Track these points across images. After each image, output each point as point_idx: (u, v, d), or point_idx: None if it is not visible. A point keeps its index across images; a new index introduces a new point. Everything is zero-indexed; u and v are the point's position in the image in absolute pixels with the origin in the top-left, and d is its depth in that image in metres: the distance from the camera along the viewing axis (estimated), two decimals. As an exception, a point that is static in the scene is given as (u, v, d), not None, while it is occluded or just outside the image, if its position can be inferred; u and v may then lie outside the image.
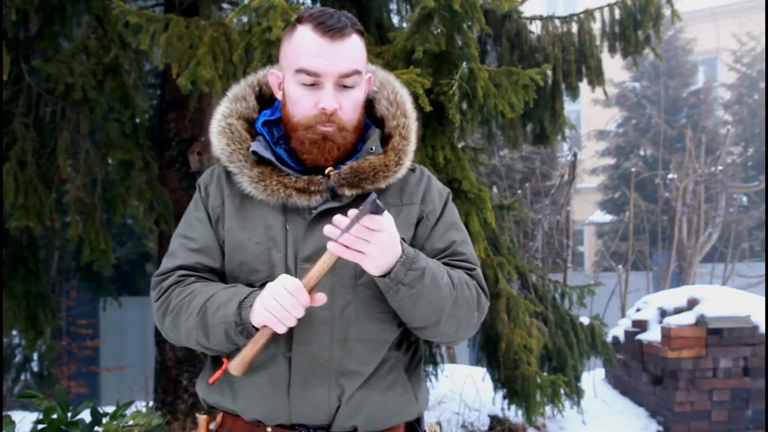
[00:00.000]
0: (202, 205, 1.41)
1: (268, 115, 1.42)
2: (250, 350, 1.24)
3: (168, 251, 1.41)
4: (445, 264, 1.35)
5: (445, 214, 1.41)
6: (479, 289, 1.38)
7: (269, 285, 1.23)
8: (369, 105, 1.44)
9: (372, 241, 1.18)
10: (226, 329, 1.25)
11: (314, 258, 1.25)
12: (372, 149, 1.36)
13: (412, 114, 1.43)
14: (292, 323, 1.21)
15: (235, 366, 1.25)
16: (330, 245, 1.19)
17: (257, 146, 1.36)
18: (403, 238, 1.27)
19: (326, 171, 1.34)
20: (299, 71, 1.30)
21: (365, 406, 1.32)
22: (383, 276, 1.24)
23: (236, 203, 1.37)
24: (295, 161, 1.37)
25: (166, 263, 1.39)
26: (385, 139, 1.39)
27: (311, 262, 1.25)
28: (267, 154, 1.35)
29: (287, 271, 1.31)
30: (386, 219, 1.20)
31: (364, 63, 1.36)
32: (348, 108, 1.33)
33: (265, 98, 1.46)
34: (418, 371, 1.42)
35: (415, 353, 1.43)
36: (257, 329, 1.23)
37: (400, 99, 1.42)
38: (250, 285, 1.32)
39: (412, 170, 1.43)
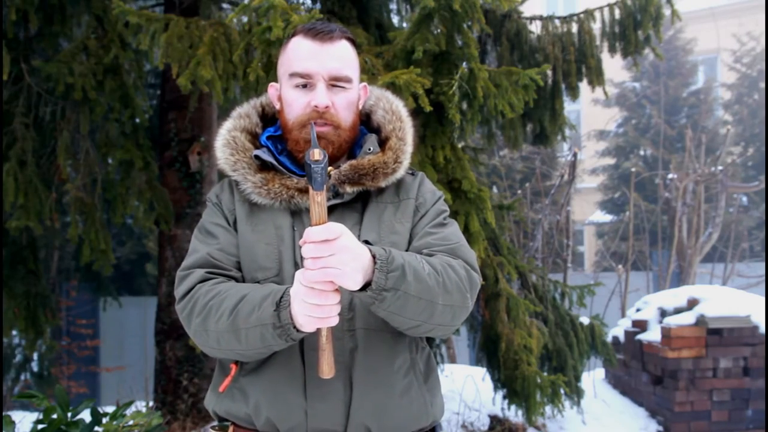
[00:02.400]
0: (218, 211, 1.44)
1: (272, 131, 1.48)
2: (327, 350, 1.21)
3: (189, 252, 1.41)
4: (427, 255, 1.33)
5: (434, 208, 1.45)
6: (467, 266, 1.34)
7: (293, 291, 1.20)
8: (366, 118, 1.51)
9: (335, 251, 1.14)
10: (262, 332, 1.22)
11: None
12: (370, 149, 1.42)
13: (407, 120, 1.50)
14: (336, 312, 1.18)
15: (326, 371, 1.21)
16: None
17: (260, 152, 1.42)
18: (367, 241, 1.25)
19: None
20: (292, 75, 1.38)
21: (380, 409, 1.31)
22: (363, 289, 1.19)
23: (246, 208, 1.41)
24: (298, 168, 1.42)
25: (190, 259, 1.38)
26: (383, 143, 1.46)
27: None
28: (268, 158, 1.41)
29: (295, 267, 1.33)
30: (338, 225, 1.16)
31: (356, 69, 1.43)
32: (341, 105, 1.38)
33: (269, 118, 1.54)
34: (433, 377, 1.43)
35: (428, 358, 1.44)
36: (297, 330, 1.21)
37: (395, 108, 1.50)
38: (257, 282, 1.34)
39: (411, 174, 1.49)
